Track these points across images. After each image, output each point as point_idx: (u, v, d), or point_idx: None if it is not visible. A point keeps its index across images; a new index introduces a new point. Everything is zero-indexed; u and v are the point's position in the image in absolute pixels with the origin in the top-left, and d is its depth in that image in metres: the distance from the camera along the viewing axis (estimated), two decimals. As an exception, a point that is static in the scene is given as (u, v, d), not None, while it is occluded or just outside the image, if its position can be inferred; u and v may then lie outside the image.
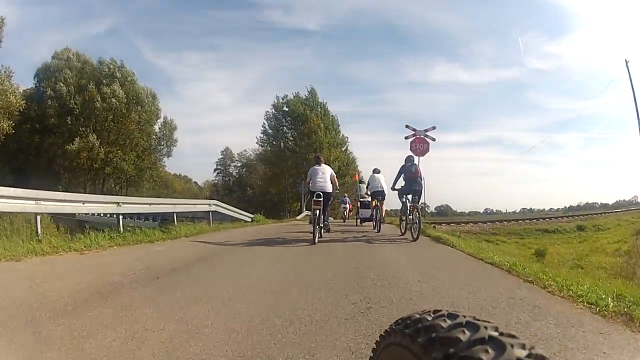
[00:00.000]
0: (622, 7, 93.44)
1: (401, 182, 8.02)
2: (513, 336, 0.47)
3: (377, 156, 77.76)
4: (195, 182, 74.53)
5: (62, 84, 33.59)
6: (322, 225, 7.49)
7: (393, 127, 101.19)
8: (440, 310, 0.55)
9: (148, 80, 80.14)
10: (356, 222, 13.26)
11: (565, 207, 78.94)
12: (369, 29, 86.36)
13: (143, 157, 32.69)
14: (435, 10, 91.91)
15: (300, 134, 38.19)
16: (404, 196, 7.91)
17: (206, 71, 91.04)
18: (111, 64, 35.72)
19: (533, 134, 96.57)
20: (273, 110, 41.63)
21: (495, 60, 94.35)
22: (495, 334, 0.47)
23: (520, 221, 24.99)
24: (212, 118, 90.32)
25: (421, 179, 7.98)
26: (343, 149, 42.89)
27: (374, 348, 0.67)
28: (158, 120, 35.43)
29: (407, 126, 13.26)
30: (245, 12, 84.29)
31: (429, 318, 0.53)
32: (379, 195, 9.52)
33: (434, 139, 13.05)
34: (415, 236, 7.06)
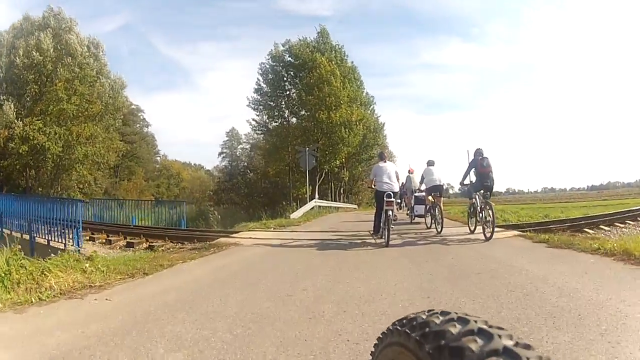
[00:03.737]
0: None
1: (471, 177, 7.46)
2: (501, 328, 0.50)
3: (398, 139, 76.65)
4: (208, 170, 67.60)
5: (-8, 48, 24.61)
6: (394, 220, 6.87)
7: (411, 109, 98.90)
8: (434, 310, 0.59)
9: (164, 72, 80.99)
10: (411, 218, 11.21)
11: (588, 186, 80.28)
12: (382, 11, 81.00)
13: (76, 128, 22.40)
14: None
15: (307, 85, 26.74)
16: (475, 192, 7.22)
17: (222, 61, 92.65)
18: (46, 11, 26.08)
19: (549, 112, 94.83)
20: (270, 61, 30.43)
21: (509, 40, 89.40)
22: (485, 327, 0.50)
23: None
24: (230, 107, 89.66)
25: (492, 172, 7.03)
26: (369, 110, 31.31)
27: (372, 351, 0.69)
28: (101, 81, 25.11)
29: None
30: (259, 0, 77.86)
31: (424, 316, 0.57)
32: (437, 190, 8.69)
33: None
34: (488, 236, 6.43)
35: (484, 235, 6.55)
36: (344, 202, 27.75)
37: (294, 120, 29.05)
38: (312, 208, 17.83)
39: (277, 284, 3.74)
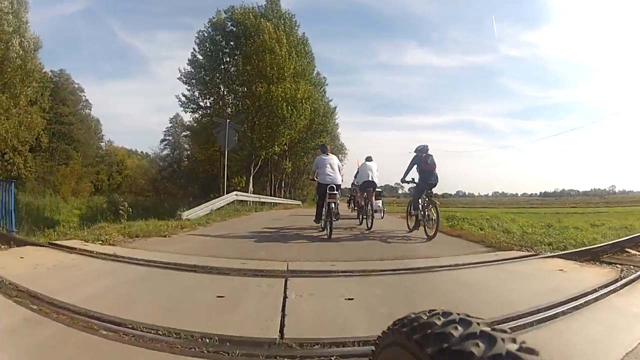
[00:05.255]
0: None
1: (413, 174, 7.26)
2: (505, 332, 0.49)
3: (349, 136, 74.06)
4: (152, 159, 62.34)
5: None
6: (335, 219, 6.77)
7: (363, 108, 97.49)
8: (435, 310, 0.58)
9: (122, 59, 73.84)
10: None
11: (539, 192, 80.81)
12: (341, 10, 78.90)
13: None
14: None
15: (246, 55, 22.04)
16: (419, 190, 7.03)
17: (177, 50, 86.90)
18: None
19: (504, 119, 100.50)
20: (210, 29, 25.58)
21: (468, 46, 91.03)
22: (488, 330, 0.48)
23: None
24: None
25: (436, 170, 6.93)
26: (319, 91, 27.25)
27: (372, 350, 0.67)
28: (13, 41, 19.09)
29: None
30: (214, -8, 73.49)
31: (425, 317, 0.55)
32: (369, 186, 8.46)
33: None
34: (432, 234, 6.28)
35: (426, 234, 6.47)
36: (285, 197, 23.40)
37: (229, 98, 24.32)
38: (230, 204, 13.22)
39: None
